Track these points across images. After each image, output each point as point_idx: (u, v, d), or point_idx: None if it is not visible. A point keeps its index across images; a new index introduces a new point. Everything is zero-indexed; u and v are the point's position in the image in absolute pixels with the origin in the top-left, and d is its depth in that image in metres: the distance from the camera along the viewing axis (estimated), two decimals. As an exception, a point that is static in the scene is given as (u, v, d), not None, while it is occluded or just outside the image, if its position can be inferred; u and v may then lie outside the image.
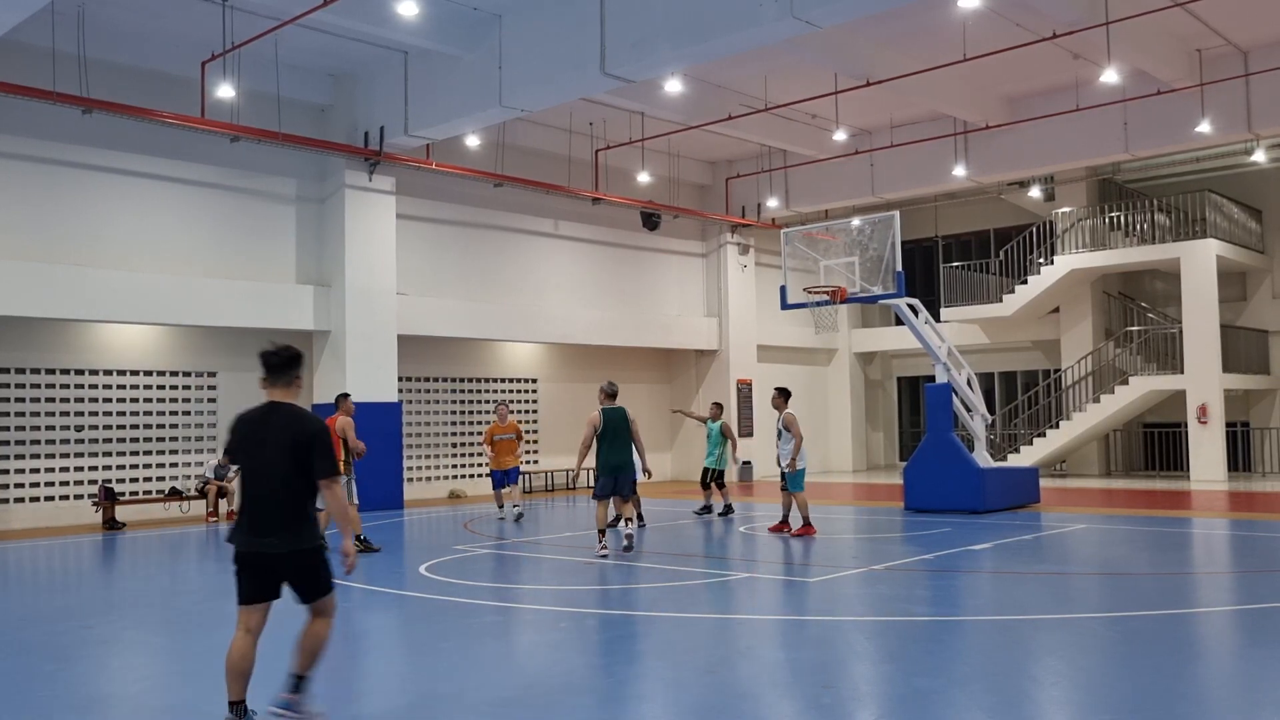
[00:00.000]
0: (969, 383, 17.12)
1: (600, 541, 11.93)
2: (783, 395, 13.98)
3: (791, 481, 13.61)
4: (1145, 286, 26.08)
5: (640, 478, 12.84)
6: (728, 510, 16.31)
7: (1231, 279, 24.13)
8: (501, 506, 16.51)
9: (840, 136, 21.15)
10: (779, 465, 13.89)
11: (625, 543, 12.07)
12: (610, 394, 12.26)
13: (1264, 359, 24.18)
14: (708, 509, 16.35)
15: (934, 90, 19.15)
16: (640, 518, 14.42)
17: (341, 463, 12.37)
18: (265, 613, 5.34)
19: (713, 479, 16.35)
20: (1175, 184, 24.36)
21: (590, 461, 12.53)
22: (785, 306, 16.96)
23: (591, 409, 12.63)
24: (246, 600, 5.31)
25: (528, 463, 22.97)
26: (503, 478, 16.29)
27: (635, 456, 12.43)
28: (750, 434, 25.15)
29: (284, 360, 5.35)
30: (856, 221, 16.83)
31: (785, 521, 13.96)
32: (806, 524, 13.60)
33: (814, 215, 25.05)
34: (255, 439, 5.32)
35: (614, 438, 12.02)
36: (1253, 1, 16.77)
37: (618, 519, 12.92)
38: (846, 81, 18.63)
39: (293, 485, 5.23)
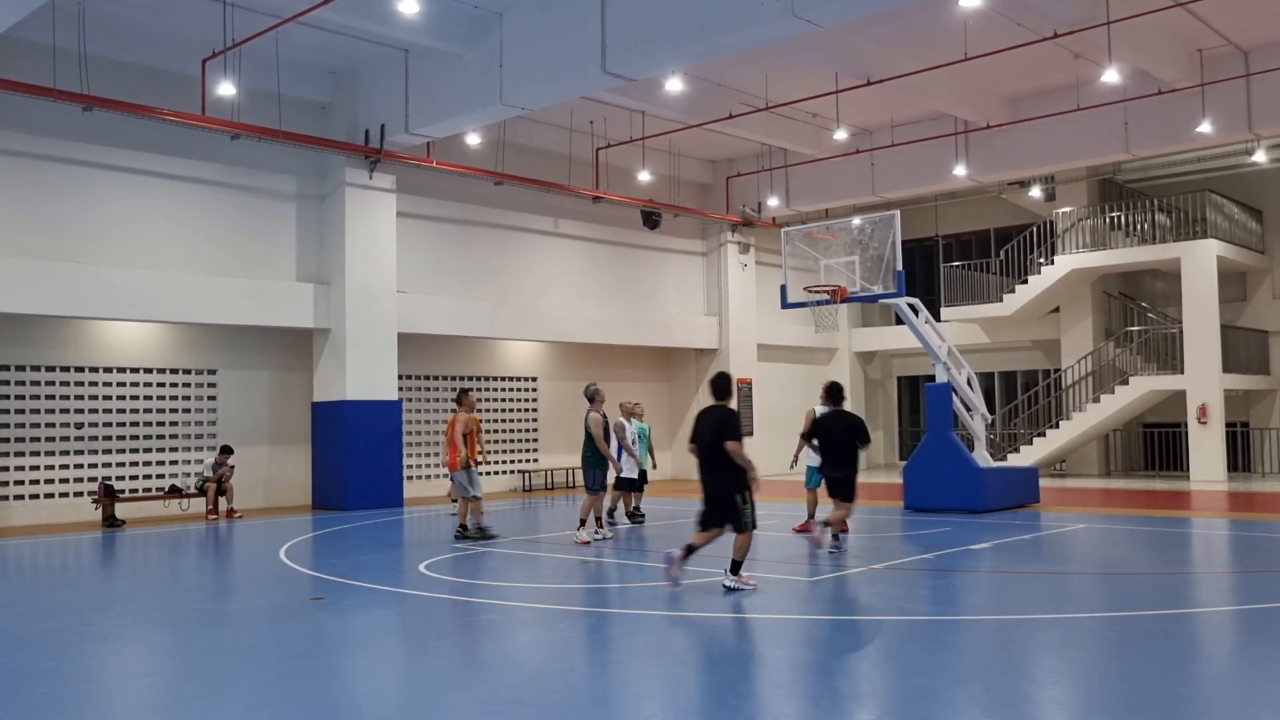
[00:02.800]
0: (969, 382, 17.12)
1: (605, 526, 13.72)
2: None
3: (805, 479, 14.31)
4: (1145, 286, 26.08)
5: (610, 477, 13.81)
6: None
7: (1232, 279, 24.13)
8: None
9: (841, 136, 21.13)
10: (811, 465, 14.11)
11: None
12: (588, 397, 13.63)
13: (1264, 359, 24.18)
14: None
15: (935, 90, 19.15)
16: (612, 514, 14.85)
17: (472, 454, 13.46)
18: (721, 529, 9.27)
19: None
20: (1176, 184, 24.35)
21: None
22: (785, 305, 16.95)
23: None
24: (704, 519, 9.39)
25: (529, 461, 23.03)
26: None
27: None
28: (751, 433, 25.12)
29: (723, 384, 9.47)
30: (857, 221, 16.81)
31: (812, 519, 13.96)
32: (809, 520, 13.74)
33: (814, 214, 25.05)
34: (704, 421, 9.32)
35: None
36: (1254, 2, 16.77)
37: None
38: (847, 81, 18.62)
39: (719, 446, 9.07)
